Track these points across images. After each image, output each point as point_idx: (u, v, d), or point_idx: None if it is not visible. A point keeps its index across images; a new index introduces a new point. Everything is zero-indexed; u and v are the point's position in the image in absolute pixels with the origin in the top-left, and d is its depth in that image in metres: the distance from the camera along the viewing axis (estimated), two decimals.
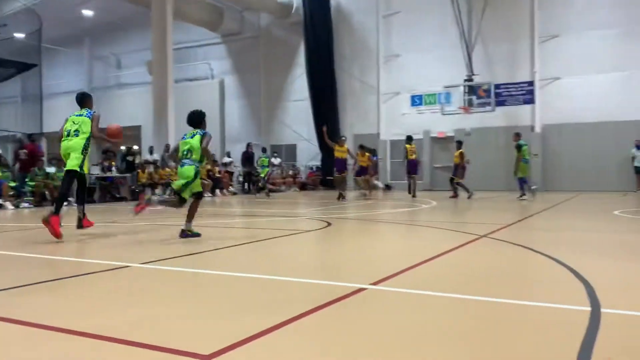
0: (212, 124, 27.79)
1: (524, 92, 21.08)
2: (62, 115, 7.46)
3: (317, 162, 25.26)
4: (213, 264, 4.90)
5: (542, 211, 10.77)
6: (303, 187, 24.34)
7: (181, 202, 6.93)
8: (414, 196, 16.54)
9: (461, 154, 16.39)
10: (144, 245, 6.43)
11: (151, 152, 19.94)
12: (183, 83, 27.91)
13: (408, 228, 8.22)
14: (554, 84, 20.76)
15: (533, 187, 15.66)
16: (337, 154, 15.89)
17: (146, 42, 24.32)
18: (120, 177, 17.73)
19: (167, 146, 19.43)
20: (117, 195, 17.11)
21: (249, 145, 21.93)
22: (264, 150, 21.76)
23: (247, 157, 21.46)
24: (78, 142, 6.89)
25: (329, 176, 24.00)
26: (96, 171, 17.08)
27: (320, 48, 24.24)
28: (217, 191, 19.34)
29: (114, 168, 17.73)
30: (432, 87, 22.67)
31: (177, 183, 6.95)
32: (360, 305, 3.29)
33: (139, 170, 18.16)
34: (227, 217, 10.87)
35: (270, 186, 20.88)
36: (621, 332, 2.71)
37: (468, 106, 20.84)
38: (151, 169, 18.33)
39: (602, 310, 3.04)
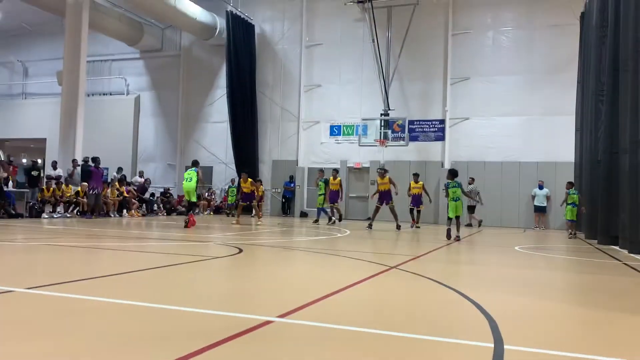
0: (125, 140, 26.93)
1: (435, 129, 22.05)
2: None
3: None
4: (106, 291, 4.50)
5: (450, 244, 11.10)
6: (217, 210, 23.76)
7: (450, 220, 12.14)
8: (339, 220, 17.12)
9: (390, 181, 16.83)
10: (37, 267, 5.85)
11: (54, 167, 18.66)
12: (96, 97, 26.66)
13: (321, 257, 8.13)
14: (463, 124, 21.90)
15: (333, 218, 17.73)
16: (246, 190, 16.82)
17: (57, 52, 23.09)
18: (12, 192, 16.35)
19: (74, 161, 18.30)
20: (13, 212, 15.75)
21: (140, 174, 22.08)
22: (232, 181, 21.92)
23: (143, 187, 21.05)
24: (192, 185, 13.99)
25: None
26: None
27: (242, 72, 24.10)
28: (124, 211, 18.38)
29: (10, 182, 16.37)
30: (350, 119, 23.17)
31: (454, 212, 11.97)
32: (264, 340, 3.09)
33: (43, 187, 16.92)
34: (131, 239, 10.26)
35: (183, 208, 20.21)
36: None
37: (384, 139, 21.44)
38: (53, 185, 17.10)
39: (505, 346, 3.05)
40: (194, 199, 14.46)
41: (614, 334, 3.66)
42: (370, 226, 15.64)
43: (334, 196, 17.44)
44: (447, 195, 12.06)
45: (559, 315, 4.30)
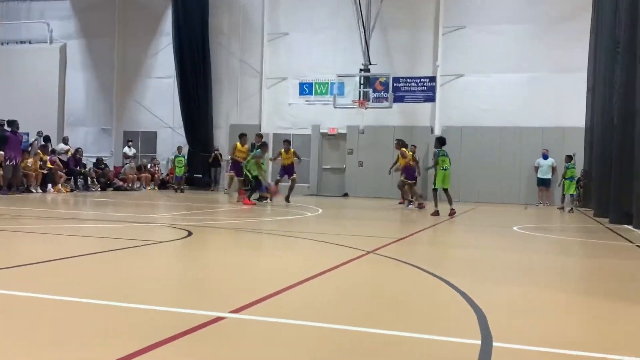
0: (48, 100, 26.24)
1: (424, 88, 22.14)
2: None
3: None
4: (27, 284, 4.46)
5: (436, 224, 11.29)
6: (163, 185, 23.58)
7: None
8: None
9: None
10: None
11: None
12: (11, 45, 25.90)
13: (286, 240, 8.19)
14: (456, 82, 22.01)
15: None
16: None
17: None
18: None
19: None
20: None
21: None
22: (179, 150, 21.73)
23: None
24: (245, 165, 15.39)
25: (196, 173, 23.56)
26: None
27: (192, 16, 23.69)
28: (49, 186, 18.07)
29: None
30: (323, 75, 23.05)
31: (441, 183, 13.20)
32: (213, 339, 3.12)
33: None
34: (59, 220, 10.14)
35: (121, 182, 20.06)
36: None
37: (363, 100, 21.41)
38: None
39: (494, 344, 3.14)
40: (251, 176, 15.20)
41: (619, 327, 3.81)
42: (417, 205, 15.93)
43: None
44: (436, 164, 13.13)
45: (558, 306, 4.44)
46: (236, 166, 16.56)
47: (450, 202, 13.39)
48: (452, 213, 13.07)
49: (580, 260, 7.44)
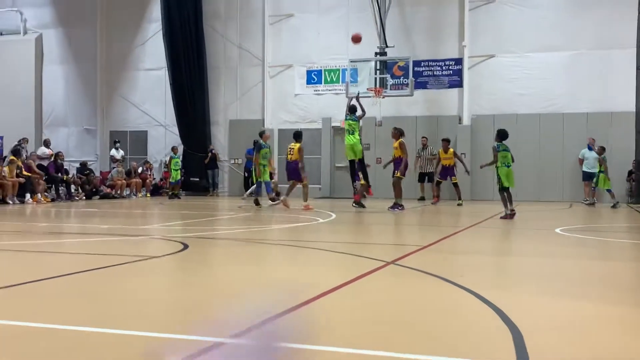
0: (23, 98, 26.44)
1: (450, 72, 22.05)
2: None
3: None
4: (2, 310, 4.52)
5: (469, 227, 11.26)
6: (156, 190, 23.69)
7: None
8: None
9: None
10: None
11: None
12: None
13: (294, 252, 8.20)
14: (487, 63, 21.90)
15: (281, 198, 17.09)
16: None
17: None
18: None
19: None
20: None
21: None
22: (175, 150, 21.87)
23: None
24: (355, 139, 15.87)
25: (192, 177, 23.67)
26: None
27: (183, 0, 23.78)
28: (28, 196, 18.22)
29: None
30: (334, 61, 23.05)
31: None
32: None
33: None
34: (39, 235, 10.23)
35: (108, 190, 20.19)
36: None
37: (380, 87, 21.35)
38: None
39: None
40: (359, 156, 15.80)
41: None
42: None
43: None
44: (496, 160, 13.08)
45: (608, 323, 4.39)
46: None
47: (510, 201, 13.26)
48: (512, 214, 12.99)
49: (635, 267, 7.37)
